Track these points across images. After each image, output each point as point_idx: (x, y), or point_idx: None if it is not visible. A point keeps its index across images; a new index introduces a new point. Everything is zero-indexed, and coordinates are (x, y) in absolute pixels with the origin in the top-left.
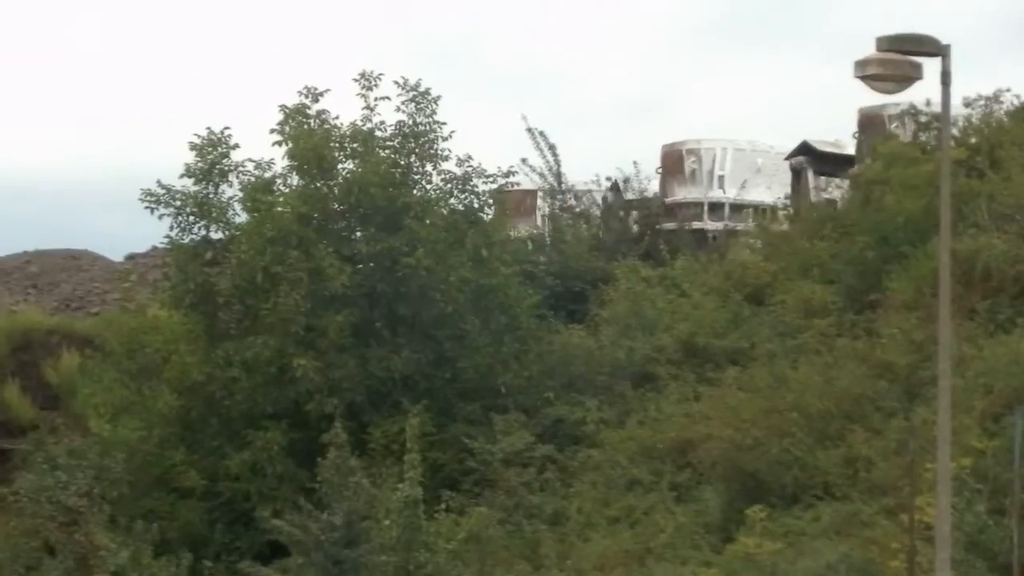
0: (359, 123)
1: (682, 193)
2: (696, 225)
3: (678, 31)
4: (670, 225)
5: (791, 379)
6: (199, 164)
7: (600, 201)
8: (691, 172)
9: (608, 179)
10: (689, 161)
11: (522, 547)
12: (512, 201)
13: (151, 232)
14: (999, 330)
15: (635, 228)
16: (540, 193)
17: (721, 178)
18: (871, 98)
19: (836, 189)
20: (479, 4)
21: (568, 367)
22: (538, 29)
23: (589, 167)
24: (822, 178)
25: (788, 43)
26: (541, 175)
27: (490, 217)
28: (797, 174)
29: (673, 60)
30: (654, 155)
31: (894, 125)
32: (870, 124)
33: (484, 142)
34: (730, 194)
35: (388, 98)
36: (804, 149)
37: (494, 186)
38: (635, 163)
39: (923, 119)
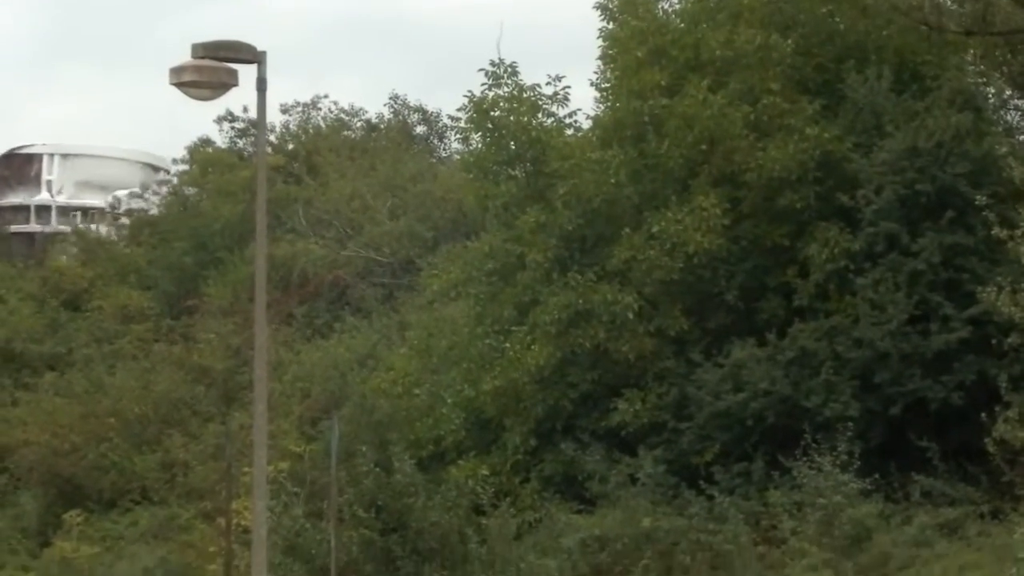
0: None
1: (11, 197)
2: (18, 229)
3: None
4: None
5: (109, 384)
6: None
7: None
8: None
9: None
10: (15, 165)
11: None
12: None
13: None
14: (316, 335)
15: None
16: None
17: (50, 182)
18: None
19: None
20: None
21: None
22: None
23: None
24: None
25: (122, 57)
26: None
27: None
28: None
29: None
30: None
31: None
32: None
33: None
34: (59, 198)
35: None
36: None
37: None
38: None
39: (240, 125)
